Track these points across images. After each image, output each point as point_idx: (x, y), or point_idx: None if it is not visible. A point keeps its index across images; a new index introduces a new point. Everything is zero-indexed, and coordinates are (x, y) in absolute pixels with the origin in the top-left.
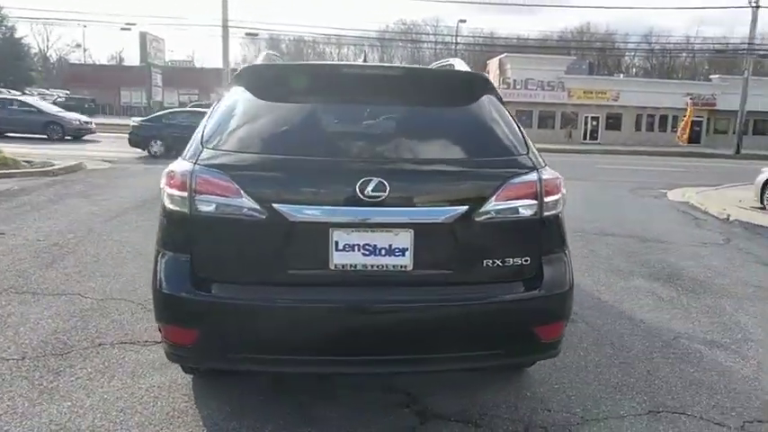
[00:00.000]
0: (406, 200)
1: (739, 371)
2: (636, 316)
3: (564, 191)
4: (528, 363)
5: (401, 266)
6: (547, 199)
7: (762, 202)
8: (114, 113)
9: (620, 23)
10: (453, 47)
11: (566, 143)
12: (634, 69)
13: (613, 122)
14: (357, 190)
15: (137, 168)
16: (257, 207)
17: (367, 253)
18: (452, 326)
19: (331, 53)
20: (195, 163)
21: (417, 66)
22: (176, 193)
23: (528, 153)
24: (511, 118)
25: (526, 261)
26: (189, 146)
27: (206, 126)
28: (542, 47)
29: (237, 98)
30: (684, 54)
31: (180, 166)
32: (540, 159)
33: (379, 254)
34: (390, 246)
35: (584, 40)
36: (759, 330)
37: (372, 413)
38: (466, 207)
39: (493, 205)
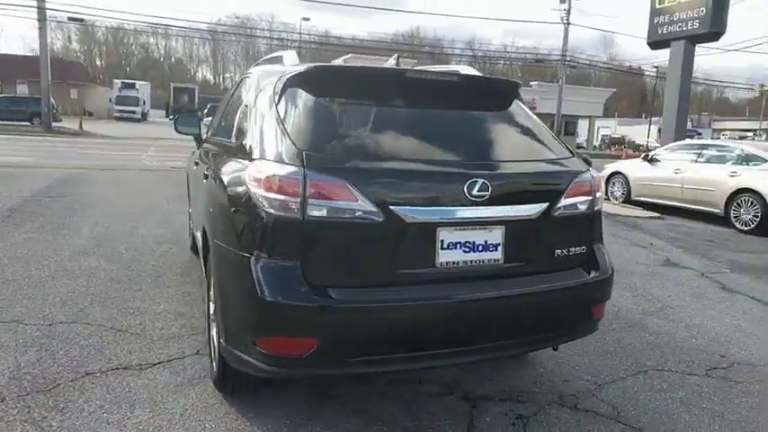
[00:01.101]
0: (501, 199)
1: (677, 332)
2: None
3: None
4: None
5: (494, 260)
6: (597, 195)
7: (606, 194)
8: None
9: (447, 29)
10: (291, 43)
11: None
12: None
13: None
14: (465, 190)
15: None
16: (374, 210)
17: (467, 250)
18: (540, 310)
19: (157, 44)
20: (304, 167)
21: (469, 73)
22: (282, 197)
23: (574, 155)
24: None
25: (583, 250)
26: (267, 147)
27: (283, 127)
28: (377, 48)
29: (308, 100)
30: (502, 61)
31: (281, 169)
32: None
33: (477, 250)
34: (486, 242)
35: (415, 44)
36: (669, 299)
37: (426, 404)
38: (547, 204)
39: (563, 201)
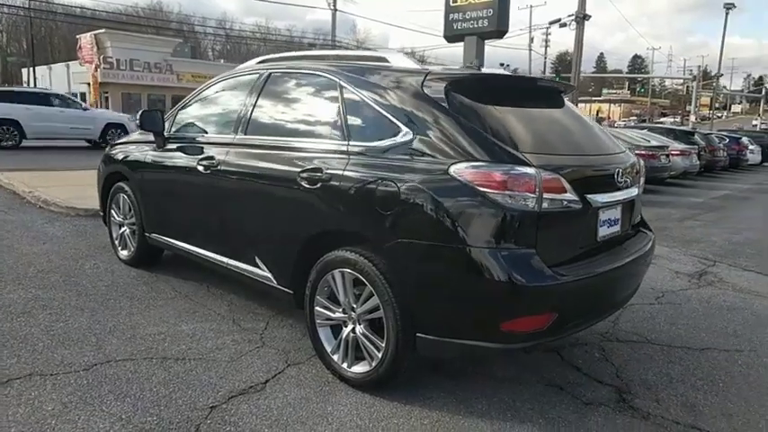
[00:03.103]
0: (625, 183)
1: None
2: None
3: None
4: None
5: (616, 232)
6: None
7: None
8: None
9: (194, 6)
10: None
11: None
12: (214, 53)
13: None
14: (615, 178)
15: None
16: (576, 199)
17: (608, 225)
18: (644, 265)
19: None
20: (535, 166)
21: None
22: (525, 194)
23: None
24: None
25: (639, 218)
26: (475, 148)
27: (477, 128)
28: (116, 20)
29: (480, 102)
30: (257, 43)
31: (520, 170)
32: None
33: (611, 225)
34: (615, 218)
35: (160, 18)
36: None
37: (531, 361)
38: (638, 184)
39: (640, 182)
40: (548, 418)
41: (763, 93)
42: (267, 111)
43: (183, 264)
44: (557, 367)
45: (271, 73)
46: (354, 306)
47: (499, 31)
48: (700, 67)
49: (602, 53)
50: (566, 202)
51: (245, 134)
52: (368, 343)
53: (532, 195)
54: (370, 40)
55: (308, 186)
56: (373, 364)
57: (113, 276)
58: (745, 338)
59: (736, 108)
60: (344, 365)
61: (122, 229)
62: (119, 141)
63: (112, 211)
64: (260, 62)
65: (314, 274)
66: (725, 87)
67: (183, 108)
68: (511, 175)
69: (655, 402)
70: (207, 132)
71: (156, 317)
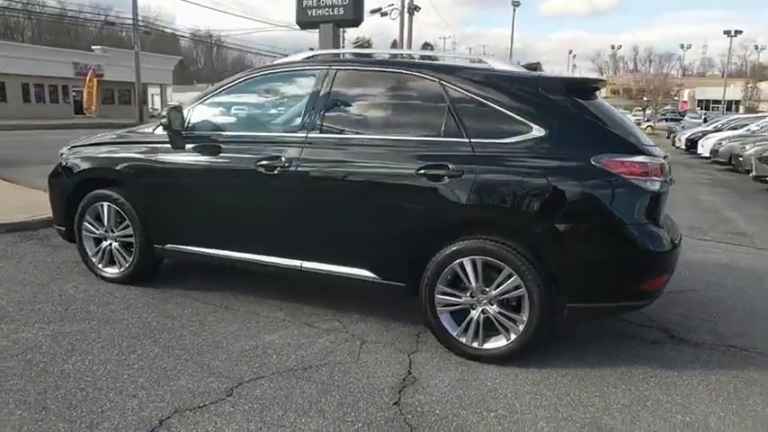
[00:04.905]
0: None
1: None
2: None
3: None
4: None
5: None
6: None
7: None
8: None
9: None
10: None
11: None
12: None
13: None
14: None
15: None
16: (666, 180)
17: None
18: None
19: None
20: (658, 155)
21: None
22: (660, 179)
23: None
24: None
25: None
26: (611, 142)
27: (603, 125)
28: None
29: (590, 101)
30: (17, 14)
31: (654, 159)
32: None
33: None
34: None
35: None
36: None
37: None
38: None
39: None
40: (641, 357)
41: None
42: (346, 108)
43: (179, 273)
44: (609, 321)
45: (338, 70)
46: (486, 289)
47: (355, 19)
48: (488, 54)
49: (395, 40)
50: (666, 183)
51: (321, 133)
52: (505, 320)
53: (659, 179)
54: (161, 17)
55: (429, 183)
56: (512, 337)
57: (117, 298)
58: (696, 280)
59: None
60: (475, 344)
61: (106, 244)
62: (83, 143)
63: (87, 224)
64: (307, 58)
65: (434, 265)
66: None
67: (200, 106)
68: (647, 164)
69: (693, 334)
70: (251, 132)
71: (227, 333)
